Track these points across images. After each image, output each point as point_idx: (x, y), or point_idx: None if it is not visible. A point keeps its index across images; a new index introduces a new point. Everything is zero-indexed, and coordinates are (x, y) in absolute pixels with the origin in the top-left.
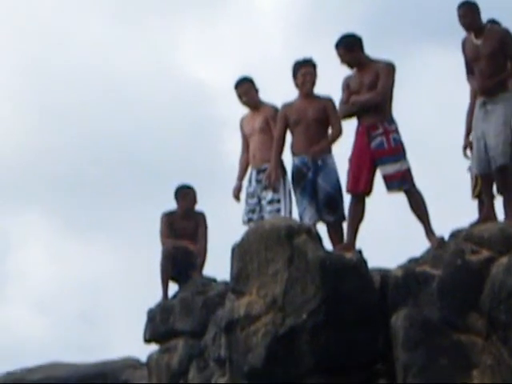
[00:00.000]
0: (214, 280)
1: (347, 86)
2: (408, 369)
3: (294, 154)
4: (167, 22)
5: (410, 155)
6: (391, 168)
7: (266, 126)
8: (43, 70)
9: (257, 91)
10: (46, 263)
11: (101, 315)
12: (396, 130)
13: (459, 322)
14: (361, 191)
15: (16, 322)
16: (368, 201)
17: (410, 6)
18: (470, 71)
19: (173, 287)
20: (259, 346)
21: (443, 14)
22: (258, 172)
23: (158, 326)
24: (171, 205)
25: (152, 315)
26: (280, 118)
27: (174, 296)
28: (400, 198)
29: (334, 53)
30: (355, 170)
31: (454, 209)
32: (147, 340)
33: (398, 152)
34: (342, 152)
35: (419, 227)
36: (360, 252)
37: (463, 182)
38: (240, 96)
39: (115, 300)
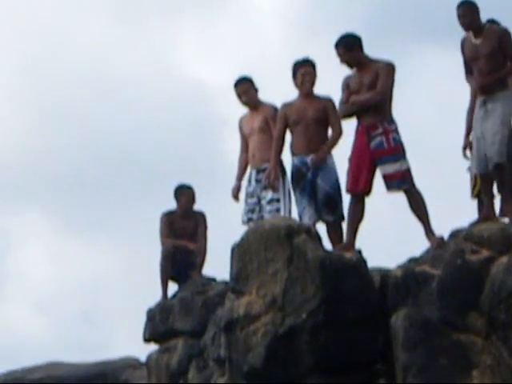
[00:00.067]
0: (214, 280)
1: (347, 85)
2: (408, 369)
3: (293, 153)
4: (166, 22)
5: (409, 155)
6: (391, 168)
7: (266, 125)
8: (43, 70)
9: (256, 91)
10: (46, 263)
11: (101, 315)
12: (396, 130)
13: (459, 321)
14: (360, 191)
15: (16, 322)
16: (368, 200)
17: (409, 6)
18: (468, 71)
19: (172, 287)
20: (259, 345)
21: (442, 14)
22: (258, 172)
23: (158, 326)
24: (171, 204)
25: (151, 315)
26: (280, 118)
27: (174, 296)
28: (400, 198)
29: (333, 52)
30: (355, 170)
31: (454, 208)
32: (147, 340)
33: (397, 152)
34: (341, 152)
35: (419, 227)
36: (360, 252)
37: (463, 181)
38: (239, 95)
39: (115, 300)
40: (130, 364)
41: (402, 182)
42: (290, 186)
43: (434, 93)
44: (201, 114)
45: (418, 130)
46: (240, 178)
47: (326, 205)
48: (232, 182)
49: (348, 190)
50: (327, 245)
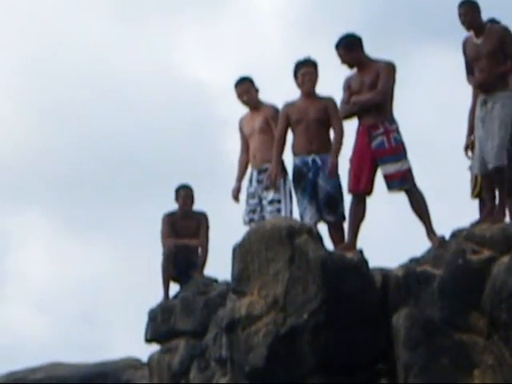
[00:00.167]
0: (215, 280)
1: (348, 86)
2: (409, 368)
3: (294, 153)
4: (166, 22)
5: (410, 155)
6: (392, 168)
7: (266, 126)
8: (43, 70)
9: (257, 91)
10: (46, 263)
11: (101, 315)
12: (397, 130)
13: (460, 321)
14: (362, 191)
15: (16, 322)
16: (369, 201)
17: (409, 6)
18: (470, 72)
19: (174, 287)
20: (260, 345)
21: (442, 14)
22: (259, 172)
23: (159, 326)
24: (171, 204)
25: (153, 315)
26: (281, 118)
27: (175, 296)
28: (401, 198)
29: (333, 52)
30: (356, 170)
31: (455, 208)
32: (148, 340)
33: (398, 152)
34: (342, 152)
35: (420, 227)
36: (361, 252)
37: (464, 181)
38: (240, 95)
39: (116, 300)
40: (132, 364)
41: (403, 181)
42: (291, 186)
43: (434, 93)
44: (201, 114)
45: (418, 130)
46: (240, 178)
47: (327, 205)
48: (232, 183)
49: (349, 190)
50: (329, 245)
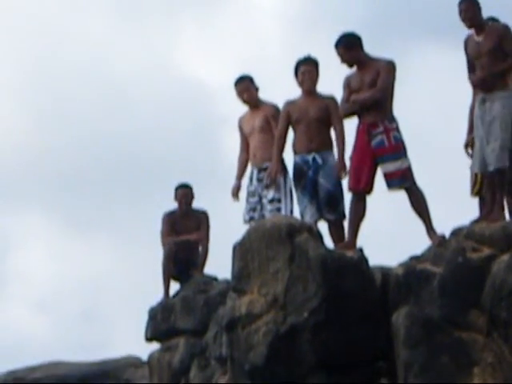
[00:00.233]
0: (215, 279)
1: (348, 84)
2: (409, 367)
3: (295, 152)
4: (166, 21)
5: (410, 153)
6: (392, 166)
7: (266, 124)
8: (43, 70)
9: (256, 89)
10: (46, 262)
11: (102, 314)
12: (396, 128)
13: (460, 319)
14: (362, 189)
15: (17, 321)
16: (369, 199)
17: (408, 4)
18: (471, 70)
19: (174, 286)
20: (260, 344)
21: (442, 12)
22: (259, 171)
23: (160, 325)
24: (172, 203)
25: (153, 314)
26: (282, 116)
27: (176, 295)
28: (401, 196)
29: (332, 50)
30: (356, 169)
31: (455, 207)
32: (148, 339)
33: (398, 150)
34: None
35: (420, 225)
36: (361, 250)
37: (464, 179)
38: (240, 94)
39: (116, 299)
40: (132, 363)
41: (402, 180)
42: (292, 184)
43: (434, 91)
44: (201, 112)
45: (419, 129)
46: (240, 177)
47: (328, 203)
48: (232, 181)
49: (349, 189)
50: (329, 243)
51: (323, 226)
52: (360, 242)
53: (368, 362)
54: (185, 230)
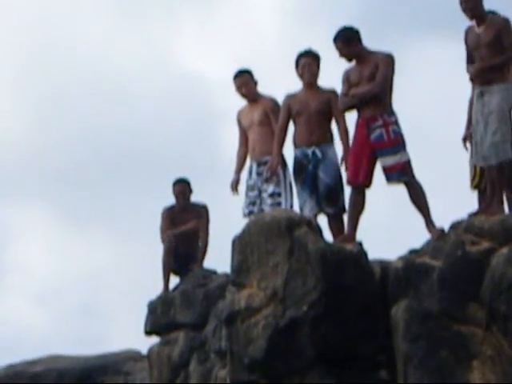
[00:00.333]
0: (215, 272)
1: (347, 78)
2: (408, 360)
3: (295, 145)
4: (165, 16)
5: (409, 147)
6: (391, 160)
7: (266, 118)
8: (43, 64)
9: (255, 83)
10: (46, 255)
11: (101, 307)
12: (396, 122)
13: (459, 313)
14: (361, 183)
15: (16, 315)
16: (368, 193)
17: None
18: (470, 61)
19: (174, 280)
20: (260, 337)
21: (441, 5)
22: (259, 165)
23: (159, 319)
24: (171, 198)
25: (153, 307)
26: (283, 109)
27: (175, 288)
28: (400, 190)
29: (331, 44)
30: (355, 162)
31: (454, 200)
32: (148, 332)
33: (397, 144)
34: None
35: (419, 219)
36: (360, 244)
37: (463, 173)
38: (238, 88)
39: (116, 292)
40: (131, 356)
41: (401, 174)
42: (292, 178)
43: (434, 84)
44: (200, 107)
45: (418, 122)
46: (239, 171)
47: (327, 197)
48: (231, 175)
49: (348, 182)
50: (328, 237)
51: (323, 220)
52: (359, 235)
53: (367, 355)
54: (184, 225)
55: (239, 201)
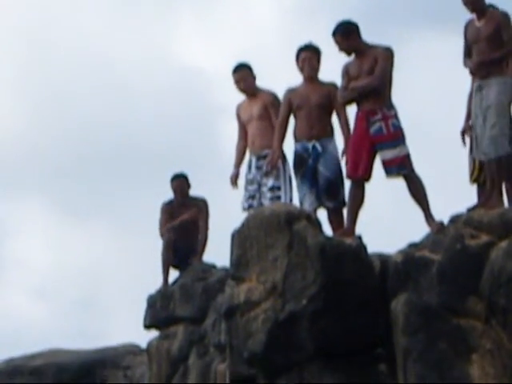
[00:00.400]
0: (214, 266)
1: (346, 72)
2: (408, 353)
3: (295, 139)
4: (164, 10)
5: (409, 140)
6: (390, 153)
7: (265, 112)
8: (43, 59)
9: (254, 78)
10: (45, 250)
11: (101, 302)
12: (395, 116)
13: (459, 306)
14: (360, 177)
15: (15, 309)
16: (368, 186)
17: None
18: (467, 54)
19: (173, 273)
20: (259, 331)
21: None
22: (258, 158)
23: (158, 313)
24: (170, 192)
25: (152, 301)
26: (284, 103)
27: (174, 282)
28: (399, 184)
29: (330, 38)
30: (354, 156)
31: (454, 194)
32: (147, 326)
33: (396, 137)
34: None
35: (419, 212)
36: (360, 237)
37: (463, 166)
38: (237, 82)
39: (115, 286)
40: (131, 350)
41: (401, 167)
42: (292, 172)
43: (433, 78)
44: (199, 101)
45: (418, 116)
46: (238, 164)
47: (327, 191)
48: (230, 169)
49: (348, 176)
50: (328, 231)
51: (322, 214)
52: (359, 229)
53: (367, 349)
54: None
55: (238, 195)
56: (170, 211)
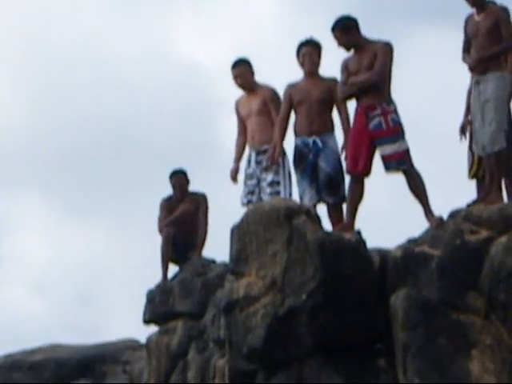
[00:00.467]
0: (213, 261)
1: (346, 67)
2: (407, 348)
3: (295, 134)
4: (164, 5)
5: (408, 136)
6: (389, 148)
7: (264, 107)
8: (42, 54)
9: (253, 73)
10: (44, 245)
11: (100, 297)
12: (394, 111)
13: (458, 301)
14: (359, 172)
15: (15, 304)
16: (367, 181)
17: None
18: (466, 49)
19: (172, 268)
20: (259, 326)
21: None
22: (258, 153)
23: (158, 308)
24: (169, 187)
25: (151, 296)
26: (285, 98)
27: (174, 277)
28: (399, 179)
29: (329, 33)
30: (354, 151)
31: (453, 189)
32: (146, 321)
33: (396, 132)
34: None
35: (418, 207)
36: (359, 232)
37: (462, 161)
38: (235, 78)
39: (114, 282)
40: (130, 345)
41: (400, 162)
42: (291, 167)
43: (433, 75)
44: (198, 96)
45: (417, 111)
46: (238, 159)
47: (327, 186)
48: (230, 164)
49: (347, 171)
50: (327, 226)
51: (322, 209)
52: (358, 224)
53: (366, 344)
54: (183, 215)
55: (238, 190)
56: (169, 207)
